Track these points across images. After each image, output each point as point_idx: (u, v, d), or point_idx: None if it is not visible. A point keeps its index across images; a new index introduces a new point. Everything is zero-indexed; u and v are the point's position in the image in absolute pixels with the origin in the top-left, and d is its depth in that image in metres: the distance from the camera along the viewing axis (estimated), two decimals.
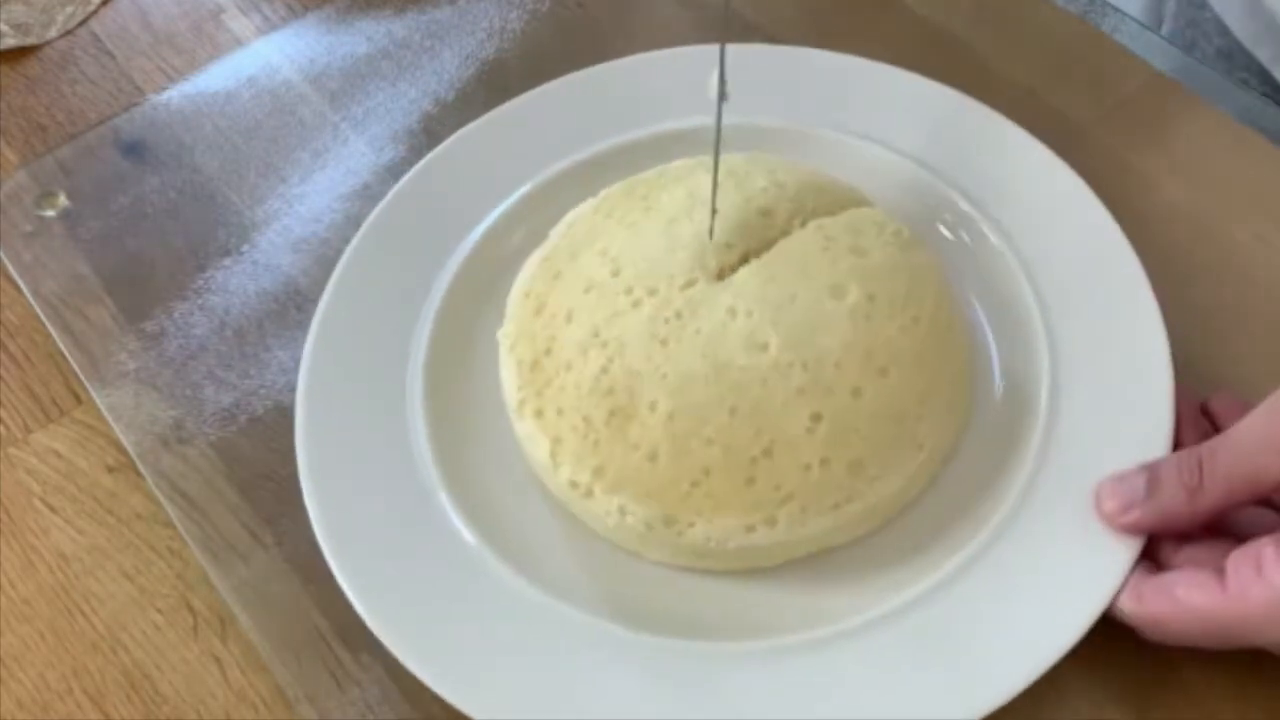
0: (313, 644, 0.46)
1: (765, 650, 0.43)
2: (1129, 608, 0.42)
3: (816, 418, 0.44)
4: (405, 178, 0.55)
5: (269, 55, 0.65)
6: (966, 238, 0.53)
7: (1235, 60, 0.72)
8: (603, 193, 0.52)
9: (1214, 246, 0.54)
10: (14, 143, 0.63)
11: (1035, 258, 0.51)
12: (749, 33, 0.62)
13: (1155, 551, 0.44)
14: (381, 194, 0.55)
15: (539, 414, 0.46)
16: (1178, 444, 0.46)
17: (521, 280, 0.51)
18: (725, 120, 0.55)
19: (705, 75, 0.56)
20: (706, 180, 0.50)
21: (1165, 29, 0.77)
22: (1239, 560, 0.40)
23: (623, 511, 0.45)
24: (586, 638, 0.44)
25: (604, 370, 0.45)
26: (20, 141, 0.63)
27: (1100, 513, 0.44)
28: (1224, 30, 0.72)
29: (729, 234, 0.48)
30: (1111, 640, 0.42)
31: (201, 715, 0.46)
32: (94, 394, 0.54)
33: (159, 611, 0.49)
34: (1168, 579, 0.42)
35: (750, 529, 0.44)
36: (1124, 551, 0.43)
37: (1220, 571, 0.41)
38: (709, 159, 0.52)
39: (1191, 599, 0.41)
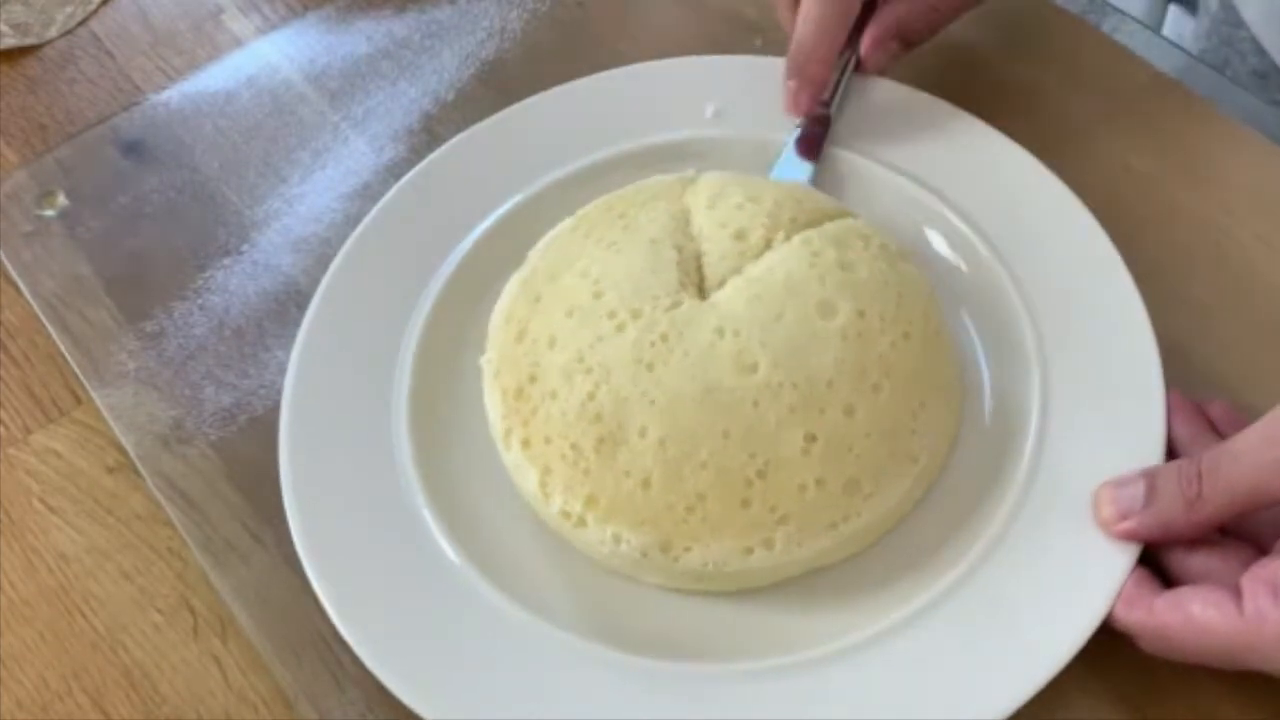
0: (313, 644, 0.46)
1: (762, 670, 0.43)
2: (1138, 618, 0.42)
3: (810, 438, 0.44)
4: (387, 195, 0.55)
5: (269, 55, 0.65)
6: (955, 251, 0.53)
7: (1270, 80, 0.71)
8: (579, 212, 0.51)
9: (1214, 246, 0.54)
10: (14, 143, 0.63)
11: (1024, 270, 0.51)
12: (749, 33, 0.62)
13: (1165, 557, 0.43)
14: (381, 193, 0.55)
15: (526, 443, 0.46)
16: (1172, 441, 0.46)
17: (502, 305, 0.50)
18: (717, 134, 0.55)
19: (689, 89, 0.56)
20: (685, 199, 0.50)
21: (1197, 47, 0.76)
22: (1255, 583, 0.40)
23: (617, 540, 0.44)
24: (579, 661, 0.43)
25: (590, 396, 0.45)
26: (20, 141, 0.63)
27: (1098, 519, 0.44)
28: (1260, 51, 0.71)
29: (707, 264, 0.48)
30: (1111, 641, 0.42)
31: (201, 715, 0.46)
32: (94, 394, 0.54)
33: (159, 611, 0.49)
34: (1183, 594, 0.41)
35: (748, 552, 0.44)
36: (1121, 558, 0.43)
37: (1236, 591, 0.40)
38: (685, 174, 0.52)
39: (1206, 617, 0.40)
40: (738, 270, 0.47)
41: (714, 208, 0.49)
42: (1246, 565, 0.41)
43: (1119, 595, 0.42)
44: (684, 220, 0.49)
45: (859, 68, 0.56)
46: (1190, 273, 0.53)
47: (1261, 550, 0.42)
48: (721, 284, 0.47)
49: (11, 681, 0.47)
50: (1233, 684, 0.43)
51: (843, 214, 0.50)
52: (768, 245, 0.48)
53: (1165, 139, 0.57)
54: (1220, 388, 0.49)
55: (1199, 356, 0.50)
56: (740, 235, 0.48)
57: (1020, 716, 0.41)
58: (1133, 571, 0.43)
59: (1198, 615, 0.40)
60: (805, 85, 0.55)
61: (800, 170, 0.54)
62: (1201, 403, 0.47)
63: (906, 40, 0.56)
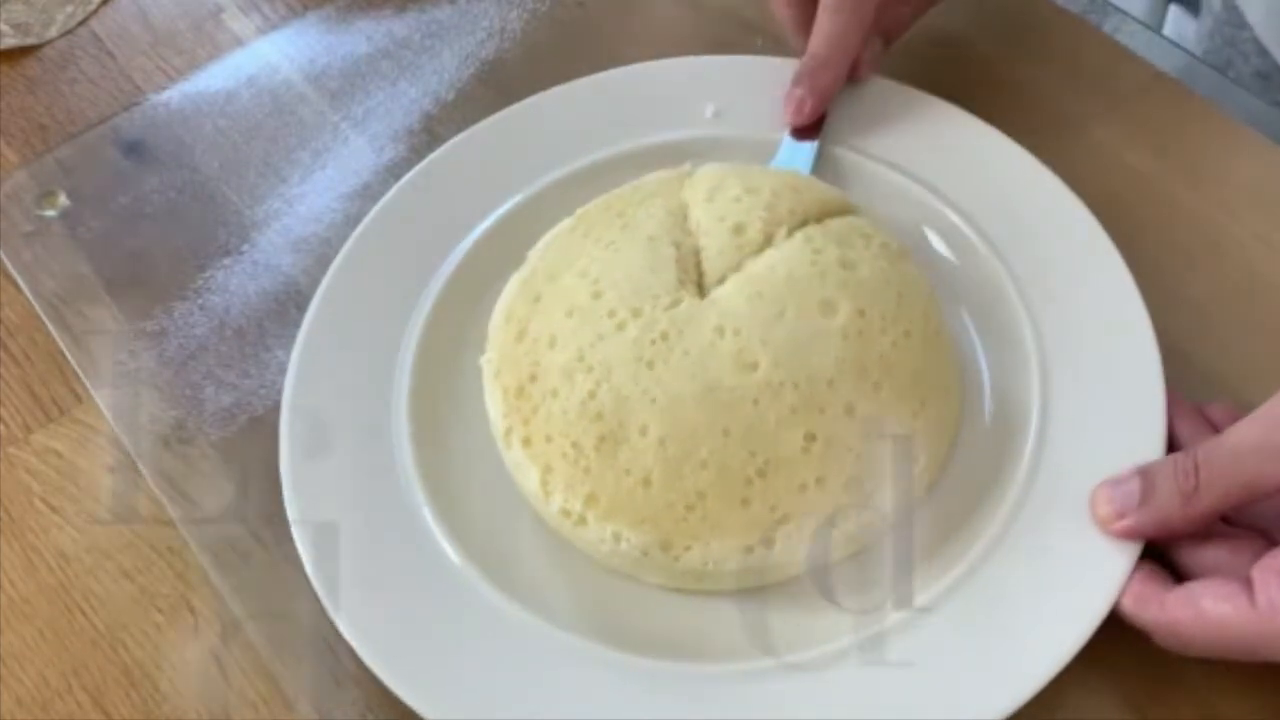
0: (313, 644, 0.46)
1: (762, 670, 0.43)
2: (1151, 614, 0.42)
3: (810, 437, 0.44)
4: (387, 195, 0.55)
5: (269, 55, 0.65)
6: (955, 250, 0.53)
7: (1272, 81, 0.71)
8: (578, 211, 0.51)
9: (1214, 246, 0.54)
10: (14, 143, 0.63)
11: (1024, 270, 0.51)
12: (749, 33, 0.62)
13: (1174, 551, 0.43)
14: (381, 193, 0.55)
15: (527, 442, 0.46)
16: (1173, 439, 0.46)
17: (501, 305, 0.50)
18: (717, 134, 0.56)
19: (689, 89, 0.56)
20: (682, 193, 0.50)
21: (1200, 47, 0.76)
22: (1266, 574, 0.40)
23: (617, 538, 0.44)
24: (579, 661, 0.43)
25: (591, 395, 0.45)
26: (20, 141, 0.63)
27: (1095, 518, 0.44)
28: (1263, 51, 0.71)
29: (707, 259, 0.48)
30: (1112, 640, 0.42)
31: (201, 715, 0.46)
32: (94, 394, 0.54)
33: (159, 611, 0.49)
34: (1194, 589, 0.41)
35: (748, 550, 0.44)
36: (1121, 558, 0.43)
37: (1247, 583, 0.40)
38: (683, 171, 0.52)
39: (1219, 611, 0.40)
40: (737, 267, 0.47)
41: (712, 201, 0.49)
42: (1257, 556, 0.41)
43: (1128, 591, 0.42)
44: (682, 215, 0.49)
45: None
46: (1190, 273, 0.53)
47: (1271, 541, 0.42)
48: (721, 280, 0.47)
49: (12, 680, 0.47)
50: (1235, 684, 0.43)
51: (842, 204, 0.50)
52: (767, 240, 0.48)
53: (1165, 138, 0.57)
54: (1220, 388, 0.49)
55: (1199, 356, 0.50)
56: (739, 229, 0.48)
57: (1020, 716, 0.41)
58: (1141, 567, 0.43)
59: (1209, 610, 0.40)
60: (813, 94, 0.54)
61: (803, 152, 0.54)
62: (1201, 405, 0.47)
63: (886, 37, 0.56)
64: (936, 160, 0.54)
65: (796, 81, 0.55)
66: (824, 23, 0.54)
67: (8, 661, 0.48)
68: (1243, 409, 0.46)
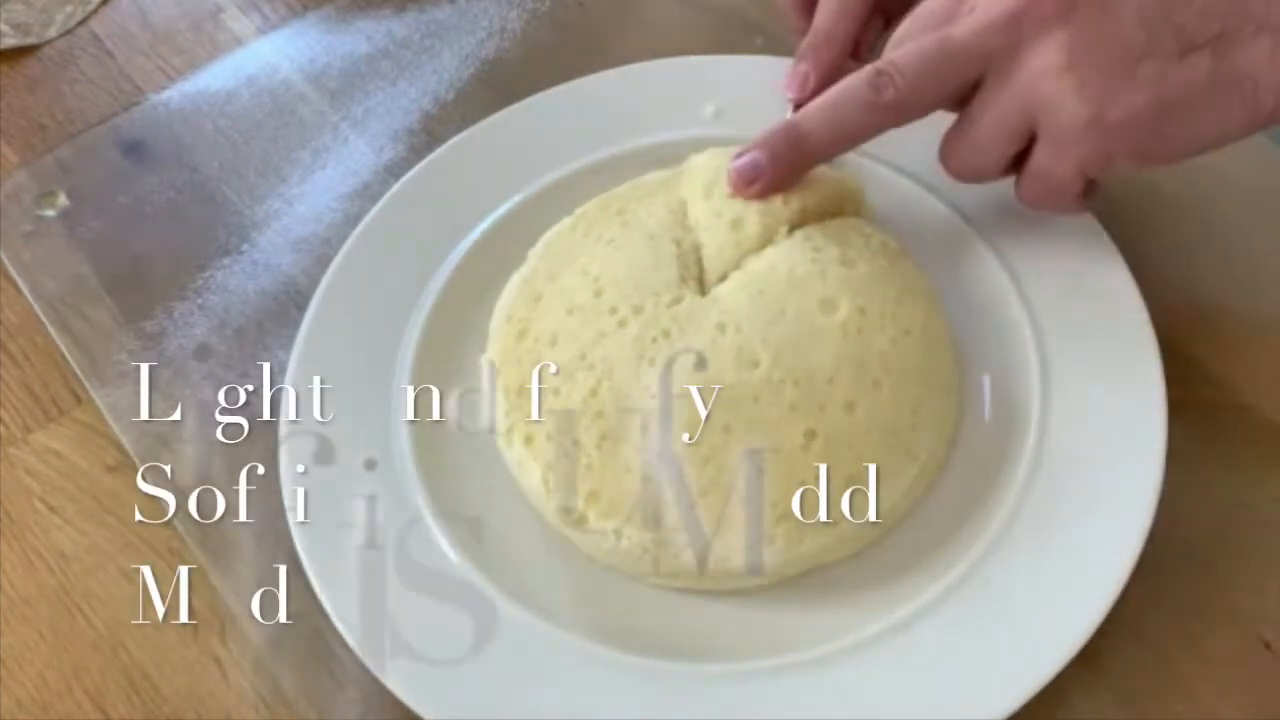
0: (313, 644, 0.46)
1: (762, 670, 0.43)
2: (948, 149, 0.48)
3: (810, 434, 0.44)
4: (386, 195, 0.55)
5: (269, 55, 0.65)
6: (954, 249, 0.53)
7: None
8: (578, 211, 0.52)
9: (1215, 246, 0.54)
10: (14, 143, 0.63)
11: (1024, 268, 0.51)
12: (749, 33, 0.62)
13: None
14: (381, 193, 0.55)
15: (528, 440, 0.46)
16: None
17: (502, 304, 0.50)
18: (719, 133, 0.56)
19: (689, 89, 0.56)
20: (681, 190, 0.50)
21: None
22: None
23: (618, 536, 0.44)
24: (580, 661, 0.43)
25: (593, 393, 0.45)
26: (20, 141, 0.63)
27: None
28: None
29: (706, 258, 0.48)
30: (1112, 640, 0.42)
31: (201, 715, 0.46)
32: (94, 394, 0.54)
33: None
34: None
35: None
36: (1123, 556, 0.43)
37: None
38: (682, 170, 0.52)
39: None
40: (738, 264, 0.48)
41: (709, 196, 0.49)
42: None
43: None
44: (681, 212, 0.50)
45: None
46: (1190, 272, 0.53)
47: None
48: (722, 278, 0.47)
49: (11, 681, 0.47)
50: (1232, 683, 0.43)
51: (838, 189, 0.50)
52: (767, 236, 0.48)
53: None
54: (1220, 388, 0.49)
55: (1199, 356, 0.50)
56: (737, 224, 0.48)
57: (1020, 716, 0.41)
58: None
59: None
60: (816, 69, 0.54)
61: None
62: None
63: (886, 17, 0.57)
64: (936, 160, 0.54)
65: (800, 58, 0.55)
66: (826, 1, 0.55)
67: (7, 663, 0.48)
68: (1243, 409, 0.46)
